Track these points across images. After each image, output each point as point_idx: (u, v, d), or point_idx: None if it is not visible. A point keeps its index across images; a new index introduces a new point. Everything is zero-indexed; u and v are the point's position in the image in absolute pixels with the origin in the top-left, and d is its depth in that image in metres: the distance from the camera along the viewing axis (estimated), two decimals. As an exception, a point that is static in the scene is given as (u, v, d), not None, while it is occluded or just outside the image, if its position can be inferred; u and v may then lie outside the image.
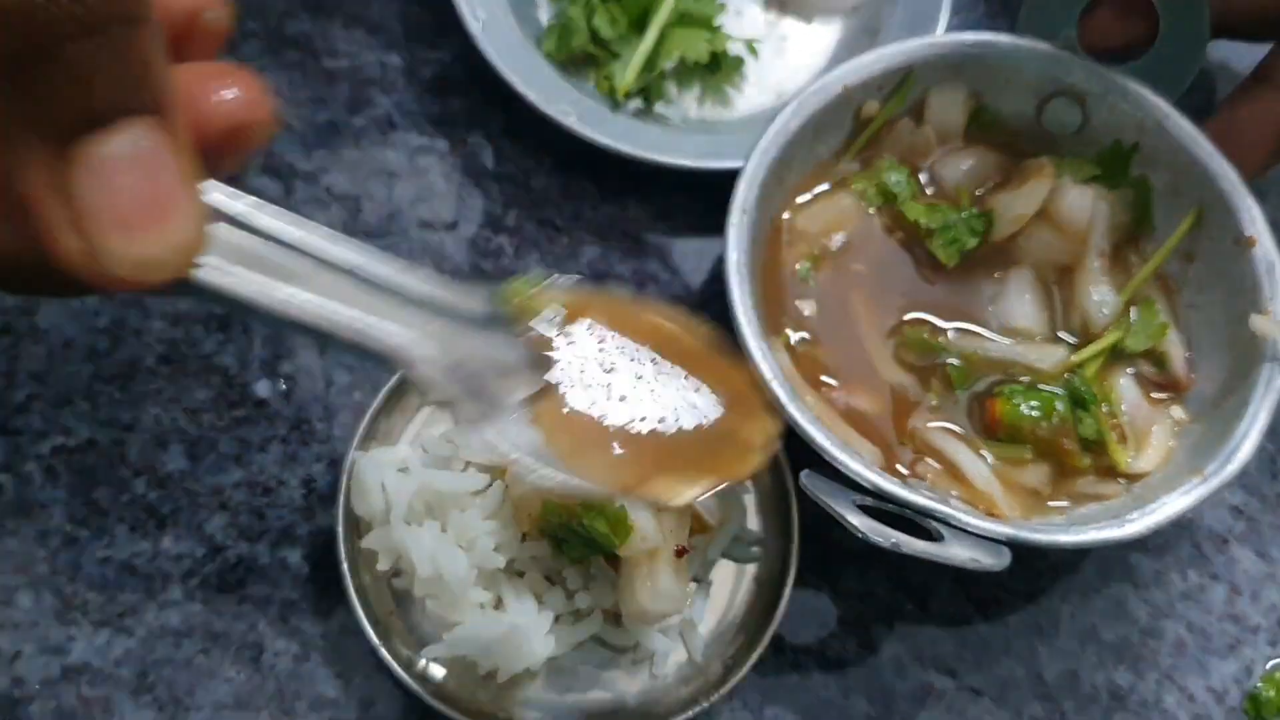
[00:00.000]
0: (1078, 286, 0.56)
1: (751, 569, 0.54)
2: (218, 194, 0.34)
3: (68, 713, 0.50)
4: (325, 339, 0.37)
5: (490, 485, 0.52)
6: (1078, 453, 0.51)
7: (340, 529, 0.51)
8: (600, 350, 0.43)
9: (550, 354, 0.42)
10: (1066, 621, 0.55)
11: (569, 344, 0.43)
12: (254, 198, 0.35)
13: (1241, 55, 0.63)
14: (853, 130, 0.58)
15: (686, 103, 0.67)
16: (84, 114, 0.29)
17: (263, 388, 0.57)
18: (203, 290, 0.34)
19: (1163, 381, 0.55)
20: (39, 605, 0.52)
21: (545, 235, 0.62)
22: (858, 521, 0.44)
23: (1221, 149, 0.55)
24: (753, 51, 0.68)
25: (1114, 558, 0.57)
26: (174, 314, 0.58)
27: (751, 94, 0.68)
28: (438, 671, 0.50)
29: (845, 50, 0.69)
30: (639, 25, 0.65)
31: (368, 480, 0.51)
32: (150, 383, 0.56)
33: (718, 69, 0.67)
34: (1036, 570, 0.56)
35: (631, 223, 0.63)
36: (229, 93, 0.35)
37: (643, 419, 0.42)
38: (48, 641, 0.51)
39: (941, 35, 0.62)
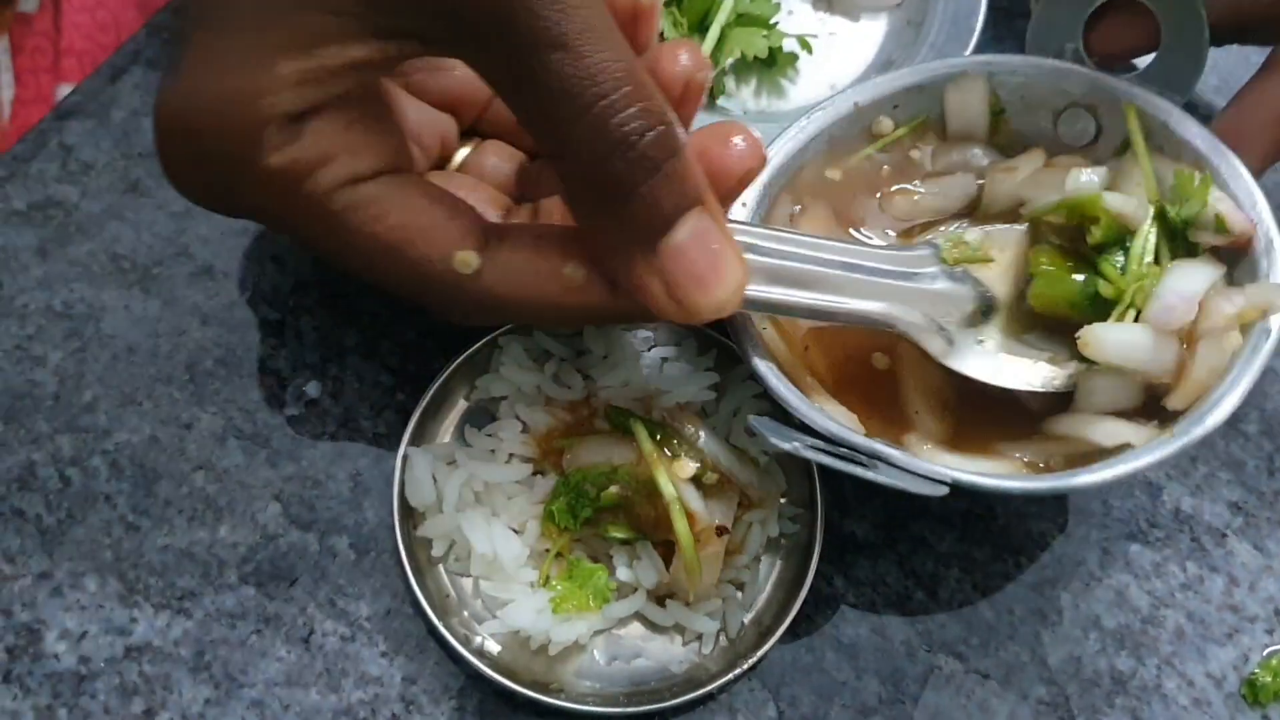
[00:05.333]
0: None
1: (780, 546, 0.56)
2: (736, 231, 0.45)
3: (130, 689, 0.53)
4: (830, 318, 0.50)
5: (534, 475, 0.55)
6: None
7: (396, 519, 0.54)
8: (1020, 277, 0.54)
9: (988, 288, 0.53)
10: (1070, 610, 0.58)
11: (1000, 277, 0.54)
12: (755, 226, 0.47)
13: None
14: (867, 146, 0.61)
15: (745, 95, 0.72)
16: (662, 223, 0.41)
17: (313, 389, 0.60)
18: (751, 305, 0.47)
19: (1228, 244, 0.52)
20: (104, 589, 0.55)
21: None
22: (764, 428, 0.47)
23: (1230, 141, 0.55)
24: (807, 47, 0.72)
25: (1116, 551, 0.59)
26: (230, 321, 0.62)
27: (805, 86, 0.73)
28: (494, 647, 0.53)
29: (891, 43, 0.74)
30: (700, 25, 0.70)
31: (420, 473, 0.54)
32: (208, 384, 0.60)
33: (774, 64, 0.71)
34: (1041, 563, 0.59)
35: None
36: (740, 142, 0.45)
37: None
38: (112, 623, 0.55)
39: (954, 58, 0.65)
